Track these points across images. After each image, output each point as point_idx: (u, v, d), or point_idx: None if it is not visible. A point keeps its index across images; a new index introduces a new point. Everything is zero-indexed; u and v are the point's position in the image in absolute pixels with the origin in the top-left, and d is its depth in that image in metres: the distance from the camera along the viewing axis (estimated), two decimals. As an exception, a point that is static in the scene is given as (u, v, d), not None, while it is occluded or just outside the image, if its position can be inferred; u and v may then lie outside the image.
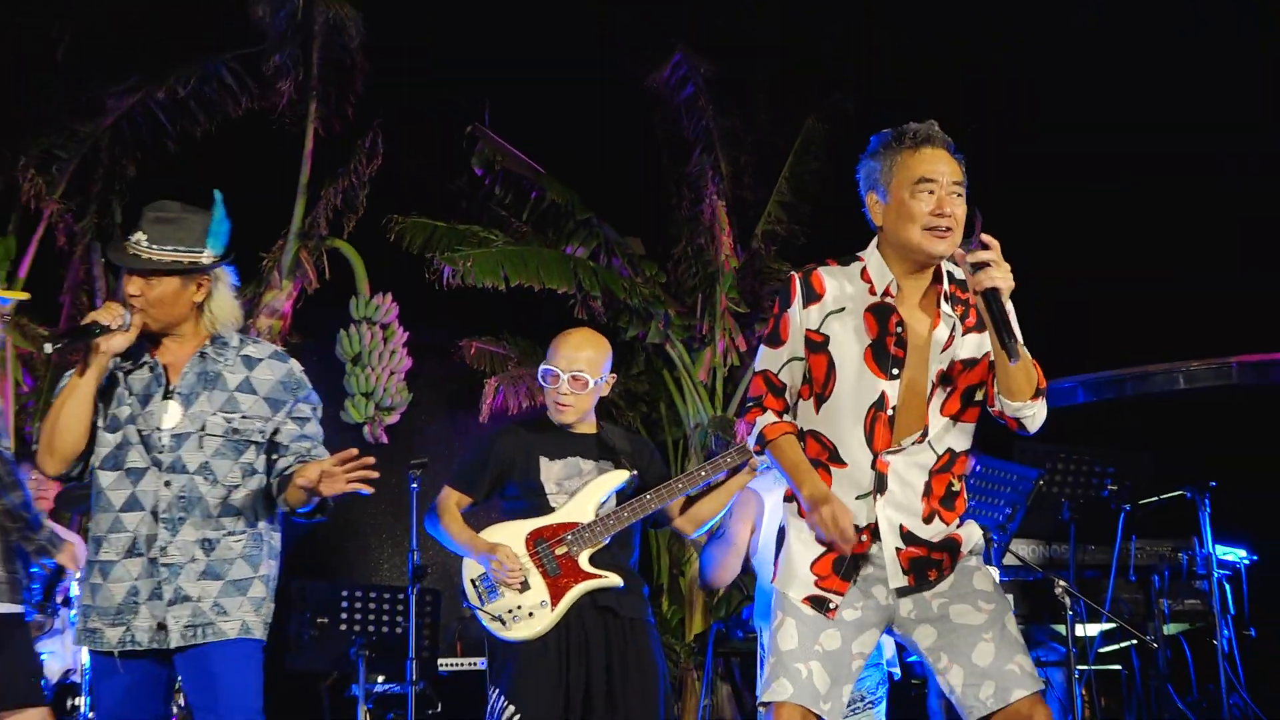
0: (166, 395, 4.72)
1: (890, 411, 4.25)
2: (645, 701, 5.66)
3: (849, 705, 6.21)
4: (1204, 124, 10.50)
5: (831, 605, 4.30)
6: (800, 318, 4.36)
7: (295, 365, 4.98)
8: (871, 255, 4.35)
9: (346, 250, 11.69)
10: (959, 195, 4.20)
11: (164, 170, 10.94)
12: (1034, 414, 4.19)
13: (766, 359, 4.44)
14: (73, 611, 7.77)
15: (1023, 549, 7.75)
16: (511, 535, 5.78)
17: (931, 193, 4.18)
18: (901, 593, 4.29)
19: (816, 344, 4.34)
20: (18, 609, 5.59)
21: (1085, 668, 7.52)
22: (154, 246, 4.68)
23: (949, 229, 4.16)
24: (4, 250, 11.27)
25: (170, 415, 4.69)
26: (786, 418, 4.42)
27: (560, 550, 5.70)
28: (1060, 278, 10.36)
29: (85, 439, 4.68)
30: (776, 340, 4.41)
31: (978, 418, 4.32)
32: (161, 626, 4.61)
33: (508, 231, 12.15)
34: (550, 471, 5.83)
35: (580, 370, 5.82)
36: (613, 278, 11.87)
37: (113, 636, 4.64)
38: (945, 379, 4.26)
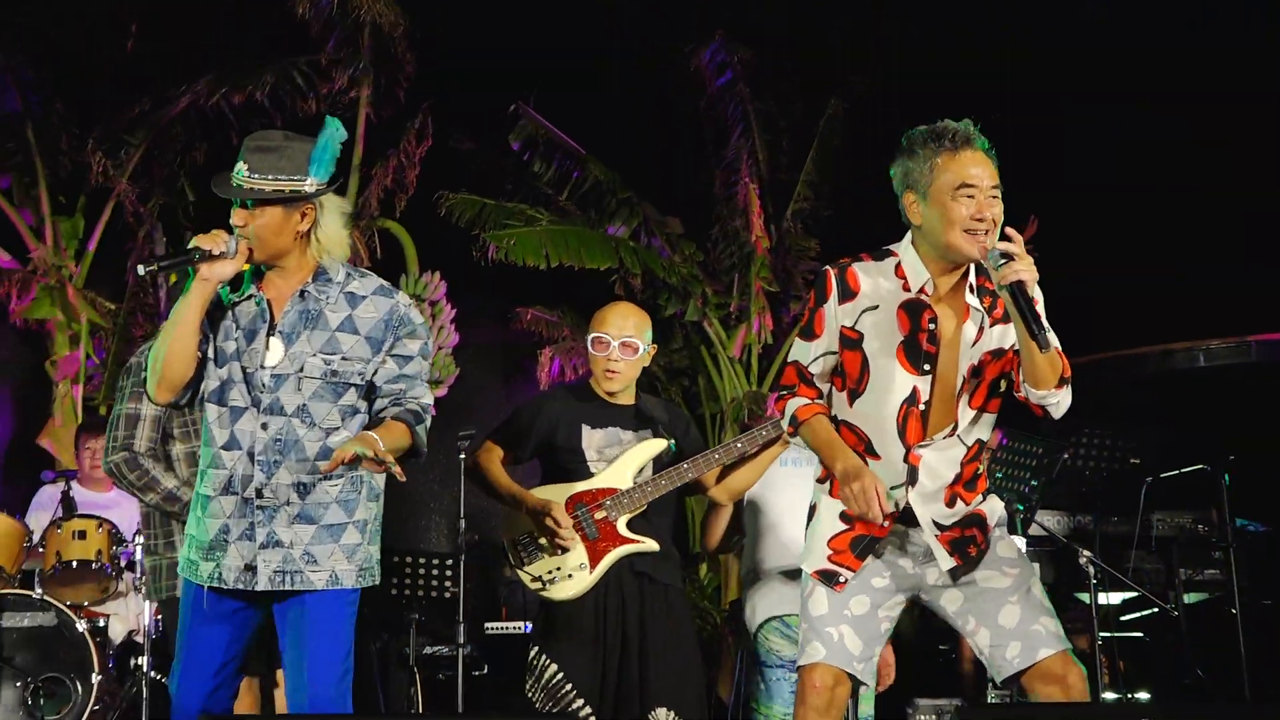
0: (270, 333, 4.58)
1: (922, 407, 4.35)
2: (683, 668, 5.77)
3: None
4: (1220, 103, 10.57)
5: (840, 579, 4.43)
6: (835, 313, 4.42)
7: (401, 300, 4.76)
8: (906, 251, 4.41)
9: (396, 230, 11.96)
10: (996, 198, 4.26)
11: (228, 155, 11.20)
12: (1059, 401, 4.26)
13: (799, 351, 4.52)
14: (136, 575, 7.97)
15: (1048, 520, 7.85)
16: (552, 498, 5.85)
17: (971, 197, 4.24)
18: (954, 574, 4.39)
19: (851, 341, 4.42)
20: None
21: (1108, 635, 7.67)
22: (254, 176, 4.50)
23: (987, 232, 4.23)
24: (71, 228, 11.58)
25: (273, 354, 4.56)
26: (819, 402, 4.49)
27: (599, 515, 5.79)
28: (1087, 261, 10.54)
29: (192, 367, 4.52)
30: (810, 334, 4.48)
31: (999, 405, 4.44)
32: (249, 568, 4.53)
33: (552, 210, 12.38)
34: (591, 439, 5.91)
35: (630, 336, 5.91)
36: (652, 257, 12.10)
37: (205, 570, 4.57)
38: (975, 372, 4.34)
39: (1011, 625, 4.32)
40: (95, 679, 7.39)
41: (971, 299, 4.34)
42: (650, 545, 5.83)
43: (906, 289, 4.38)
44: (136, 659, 7.89)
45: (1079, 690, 4.27)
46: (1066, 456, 7.66)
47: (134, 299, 11.57)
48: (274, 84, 11.64)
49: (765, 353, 12.41)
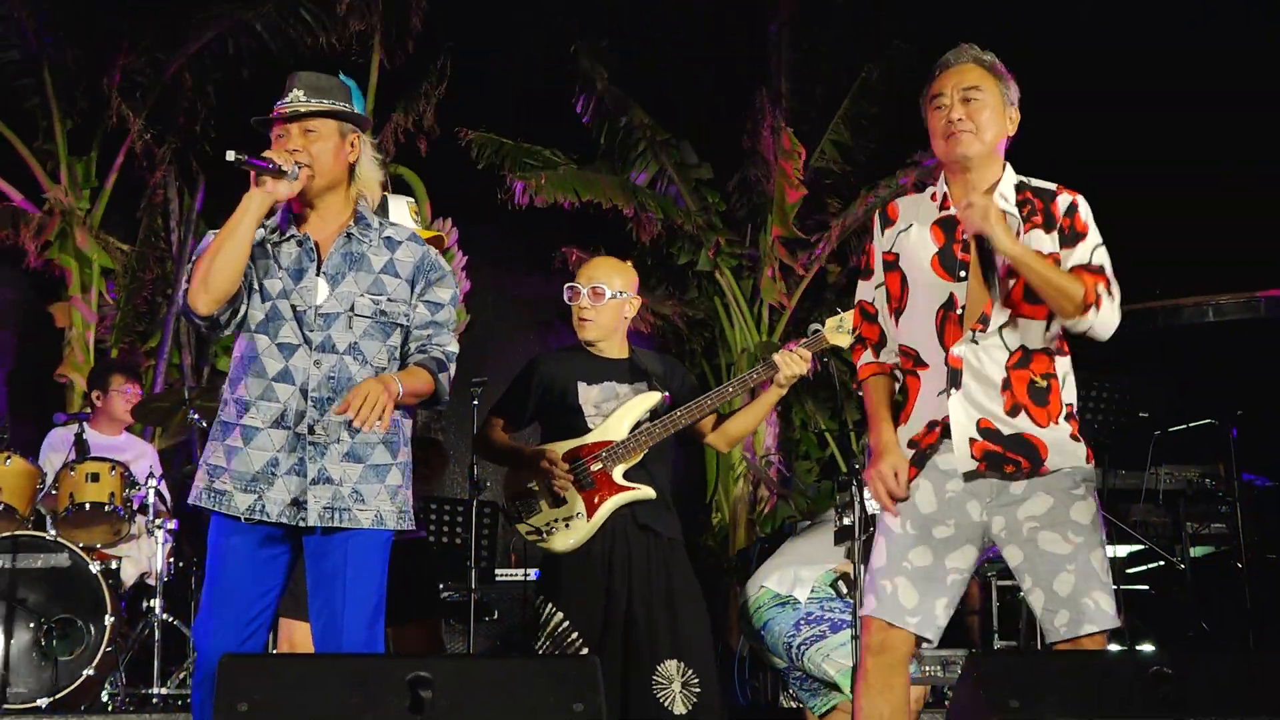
0: (318, 272, 4.63)
1: (960, 311, 4.41)
2: (690, 619, 5.79)
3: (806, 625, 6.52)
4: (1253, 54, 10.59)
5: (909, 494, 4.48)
6: (879, 245, 4.64)
7: (431, 249, 4.85)
8: (940, 179, 4.60)
9: (408, 176, 11.96)
10: (972, 100, 4.44)
11: (240, 101, 11.18)
12: (1089, 327, 4.31)
13: (861, 290, 4.73)
14: (149, 518, 8.04)
15: (1056, 472, 7.91)
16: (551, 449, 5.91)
17: (940, 108, 4.47)
18: (969, 477, 4.40)
19: (890, 264, 4.59)
20: (420, 533, 5.72)
21: (1114, 587, 7.74)
22: (311, 100, 4.61)
23: (962, 130, 4.41)
24: (83, 169, 11.61)
25: (320, 293, 4.61)
26: (883, 354, 4.66)
27: (595, 466, 5.81)
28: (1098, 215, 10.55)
29: (238, 281, 4.54)
30: (867, 272, 4.70)
31: (1048, 316, 4.42)
32: (296, 503, 4.54)
33: (571, 153, 12.42)
34: (588, 395, 5.95)
35: (598, 283, 5.94)
36: (669, 204, 12.16)
37: (243, 503, 4.54)
38: (1010, 273, 4.38)
39: (1065, 593, 4.29)
40: (108, 620, 7.43)
41: (1003, 204, 4.41)
42: (647, 492, 5.87)
43: (942, 208, 4.53)
44: (148, 601, 7.98)
45: None
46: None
47: (146, 242, 11.60)
48: (286, 25, 11.63)
49: (779, 304, 12.45)
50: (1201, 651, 7.40)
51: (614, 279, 6.00)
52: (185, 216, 11.65)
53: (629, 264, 6.20)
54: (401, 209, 5.69)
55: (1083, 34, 11.40)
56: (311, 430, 4.57)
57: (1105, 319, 4.32)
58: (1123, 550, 8.01)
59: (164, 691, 7.77)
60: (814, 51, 12.82)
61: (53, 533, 7.71)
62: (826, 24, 12.76)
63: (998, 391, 4.39)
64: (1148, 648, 8.13)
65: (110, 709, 7.72)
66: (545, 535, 5.82)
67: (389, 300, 4.68)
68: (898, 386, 4.66)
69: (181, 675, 8.01)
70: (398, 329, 4.71)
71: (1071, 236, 4.42)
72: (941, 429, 4.44)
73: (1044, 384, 4.42)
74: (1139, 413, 7.79)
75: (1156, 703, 3.87)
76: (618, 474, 5.85)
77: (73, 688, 7.34)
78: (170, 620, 7.93)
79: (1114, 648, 7.48)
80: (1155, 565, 8.26)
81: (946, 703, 7.51)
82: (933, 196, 4.59)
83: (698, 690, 5.68)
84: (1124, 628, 7.70)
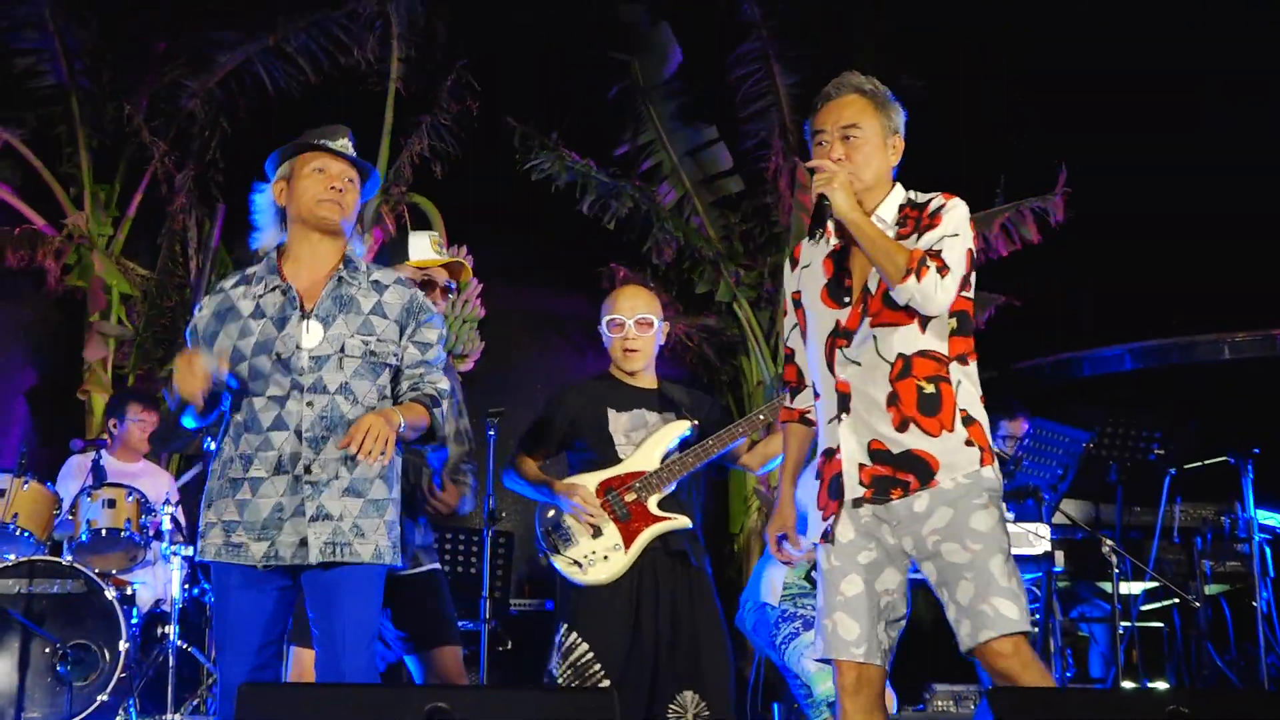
0: (304, 317, 4.74)
1: (843, 335, 4.48)
2: (710, 652, 5.80)
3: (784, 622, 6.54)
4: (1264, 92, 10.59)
5: (829, 529, 4.51)
6: (788, 286, 4.76)
7: (418, 291, 4.97)
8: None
9: (424, 204, 11.98)
10: (851, 138, 4.52)
11: (257, 128, 11.22)
12: (911, 295, 4.32)
13: (784, 333, 4.82)
14: (164, 545, 8.06)
15: (1072, 509, 7.89)
16: (582, 485, 5.93)
17: (821, 144, 4.56)
18: (857, 503, 4.44)
19: (796, 302, 4.70)
20: (436, 565, 5.73)
21: (1129, 624, 7.72)
22: (350, 149, 4.89)
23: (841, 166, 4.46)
24: (106, 195, 11.64)
25: (311, 336, 4.72)
26: (799, 399, 4.78)
27: (630, 497, 5.84)
28: (1113, 248, 10.56)
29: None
30: (785, 314, 4.79)
31: (915, 318, 4.42)
32: (303, 543, 4.64)
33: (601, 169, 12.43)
34: (618, 423, 5.97)
35: (643, 314, 6.00)
36: (691, 231, 12.17)
37: (257, 551, 4.67)
38: (876, 287, 4.45)
39: (965, 602, 4.32)
40: (123, 646, 7.43)
41: (880, 226, 4.48)
42: (683, 522, 5.89)
43: (829, 243, 4.57)
44: (163, 627, 7.97)
45: (1024, 674, 4.25)
46: (1091, 446, 7.70)
47: (165, 269, 11.62)
48: (306, 34, 11.67)
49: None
50: (1217, 690, 7.40)
51: (654, 307, 6.08)
52: (204, 244, 11.68)
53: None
54: (423, 243, 5.74)
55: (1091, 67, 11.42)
56: (308, 470, 4.68)
57: (927, 290, 4.31)
58: (1138, 587, 8.00)
59: (178, 718, 7.77)
60: (819, 81, 12.75)
61: (69, 558, 7.72)
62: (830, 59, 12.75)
63: (883, 409, 4.43)
64: (1161, 685, 8.12)
65: (124, 735, 7.72)
66: (584, 568, 5.84)
67: (378, 340, 4.80)
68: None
69: (195, 702, 8.01)
70: (387, 369, 4.83)
71: (925, 229, 4.46)
72: (840, 457, 4.49)
73: (932, 389, 4.43)
74: (1155, 450, 7.79)
75: (1173, 741, 3.87)
76: (653, 504, 5.87)
77: (87, 713, 7.33)
78: (185, 647, 7.93)
79: (1128, 685, 7.49)
80: (1171, 602, 8.25)
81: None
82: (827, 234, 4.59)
83: (708, 725, 5.71)
84: (1137, 665, 7.69)
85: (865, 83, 4.63)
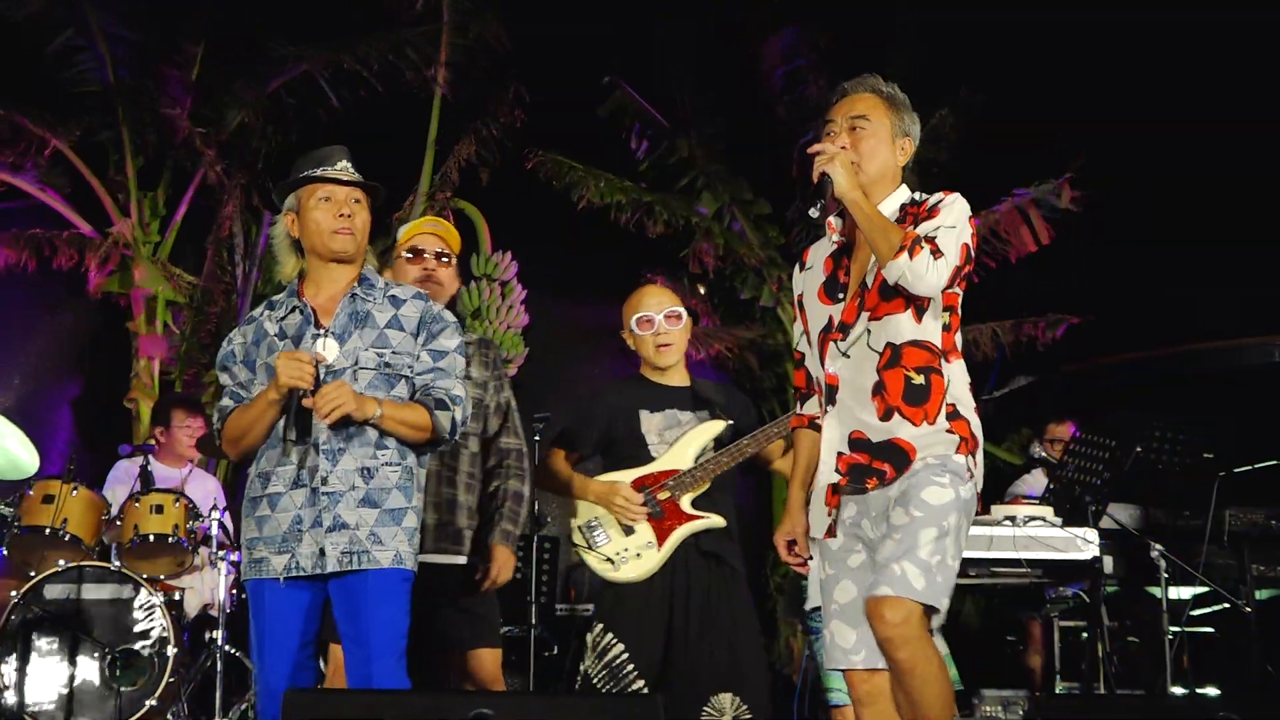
0: (319, 334, 4.82)
1: (836, 328, 4.54)
2: (745, 652, 5.81)
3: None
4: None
5: (830, 522, 4.53)
6: (795, 290, 4.81)
7: (435, 304, 5.06)
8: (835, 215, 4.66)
9: (469, 211, 12.03)
10: (857, 129, 4.58)
11: (307, 133, 11.26)
12: (901, 272, 4.33)
13: (794, 338, 4.85)
14: (211, 549, 8.08)
15: (1120, 514, 7.82)
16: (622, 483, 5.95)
17: (829, 133, 4.61)
18: (834, 490, 4.49)
19: (801, 304, 4.75)
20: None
21: (1178, 629, 7.66)
22: (354, 174, 4.96)
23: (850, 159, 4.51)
24: (152, 203, 11.70)
25: (328, 351, 4.80)
26: (808, 406, 4.76)
27: (663, 495, 5.85)
28: (1165, 251, 10.50)
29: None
30: (795, 318, 4.82)
31: (908, 309, 4.47)
32: (321, 552, 4.73)
33: (638, 181, 12.42)
34: (651, 424, 5.98)
35: (670, 307, 6.02)
36: (733, 237, 12.16)
37: (278, 564, 4.77)
38: (872, 280, 4.49)
39: (880, 559, 4.36)
40: (171, 651, 7.48)
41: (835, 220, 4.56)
42: (716, 521, 5.90)
43: (831, 241, 4.66)
44: (211, 632, 8.00)
45: (906, 645, 4.25)
46: (1139, 450, 7.64)
47: (211, 275, 11.69)
48: (376, 55, 11.71)
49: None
50: (1266, 696, 7.34)
51: (679, 301, 6.10)
52: (250, 250, 11.74)
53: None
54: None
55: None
56: (325, 481, 4.76)
57: (918, 268, 4.32)
58: (1187, 592, 7.93)
59: (226, 722, 7.80)
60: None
61: (117, 564, 7.77)
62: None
63: (869, 398, 4.46)
64: (1211, 691, 8.06)
65: (172, 740, 7.75)
66: (616, 565, 5.85)
67: (393, 353, 4.89)
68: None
69: (243, 707, 8.03)
70: (402, 380, 4.90)
71: (923, 220, 4.46)
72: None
73: (921, 380, 4.45)
74: (1204, 454, 7.73)
75: (1221, 747, 3.85)
76: (686, 503, 5.88)
77: (136, 718, 7.38)
78: (232, 651, 7.95)
79: (1178, 690, 7.44)
80: (1220, 608, 8.16)
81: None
82: (831, 229, 4.67)
83: (749, 725, 5.70)
84: (1186, 671, 7.63)
85: (883, 85, 4.68)
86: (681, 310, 6.06)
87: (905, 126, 4.64)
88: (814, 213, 4.46)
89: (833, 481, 4.48)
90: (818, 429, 4.72)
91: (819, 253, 4.72)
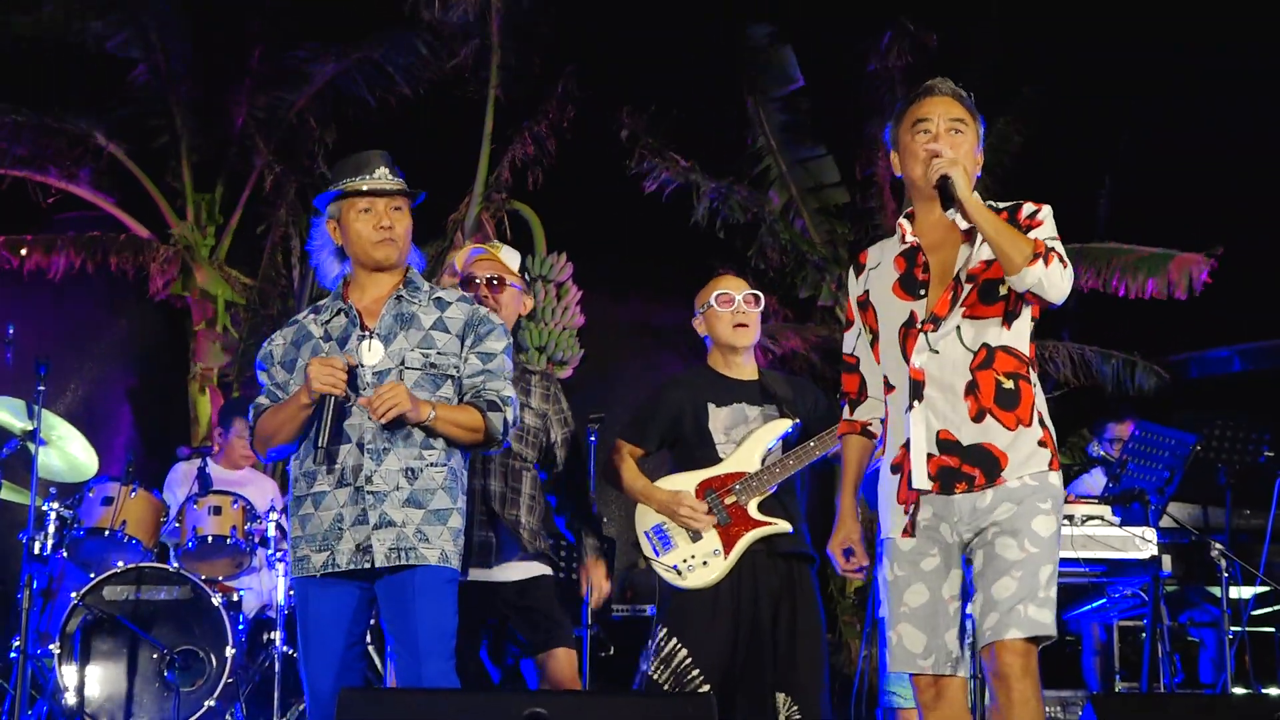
0: (365, 335, 4.86)
1: (919, 325, 4.43)
2: (807, 653, 5.79)
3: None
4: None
5: (910, 520, 4.44)
6: (853, 290, 4.70)
7: (480, 306, 5.08)
8: (903, 218, 4.61)
9: (525, 211, 12.02)
10: (957, 131, 4.49)
11: (361, 134, 11.28)
12: (1038, 279, 4.24)
13: (845, 343, 4.78)
14: (269, 551, 8.12)
15: (1179, 512, 7.77)
16: (681, 486, 5.91)
17: (927, 131, 4.48)
18: (922, 495, 4.39)
19: (863, 303, 4.64)
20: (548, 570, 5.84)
21: (1238, 629, 7.61)
22: (394, 179, 4.97)
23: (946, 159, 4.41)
24: (208, 206, 11.78)
25: (373, 353, 4.83)
26: (860, 410, 4.70)
27: (729, 500, 5.81)
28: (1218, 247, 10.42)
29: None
30: (848, 324, 4.76)
31: (1008, 314, 4.40)
32: (361, 549, 4.75)
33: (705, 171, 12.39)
34: (718, 419, 5.95)
35: (750, 291, 6.04)
36: (797, 235, 12.12)
37: (317, 561, 4.80)
38: (969, 278, 4.41)
39: (1001, 598, 4.27)
40: (229, 652, 7.50)
41: (962, 222, 4.43)
42: (783, 526, 5.85)
43: (903, 241, 4.56)
44: (269, 633, 8.02)
45: (1021, 678, 4.23)
46: (1199, 448, 7.59)
47: (267, 278, 11.74)
48: (391, 48, 11.71)
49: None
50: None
51: (757, 289, 6.09)
52: (304, 252, 11.75)
53: None
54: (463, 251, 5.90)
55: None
56: (370, 480, 4.78)
57: (1054, 276, 4.26)
58: (1248, 592, 7.86)
59: (284, 723, 7.83)
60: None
61: (176, 565, 7.80)
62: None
63: (960, 398, 4.38)
64: (1273, 691, 8.00)
65: (231, 740, 7.79)
66: (682, 573, 5.83)
67: (438, 354, 4.91)
68: (882, 427, 4.66)
69: (301, 707, 8.05)
70: (448, 380, 4.92)
71: (1026, 230, 4.38)
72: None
73: (1011, 385, 4.39)
74: (1265, 452, 7.67)
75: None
76: (753, 508, 5.85)
77: (194, 719, 7.41)
78: (290, 652, 7.97)
79: (1239, 691, 7.38)
80: (1281, 607, 8.12)
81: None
82: (898, 237, 4.60)
83: (799, 729, 5.70)
84: (1248, 670, 7.58)
85: (964, 91, 4.60)
86: (760, 296, 6.06)
87: (979, 138, 4.59)
88: (950, 214, 4.36)
89: (924, 487, 4.39)
90: (870, 435, 4.70)
91: (885, 253, 4.63)
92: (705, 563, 5.81)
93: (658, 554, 5.90)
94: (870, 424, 4.69)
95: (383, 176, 4.94)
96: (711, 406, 5.97)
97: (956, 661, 4.40)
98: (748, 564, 5.83)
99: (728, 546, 5.81)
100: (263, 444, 5.00)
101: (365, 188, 4.93)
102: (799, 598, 5.87)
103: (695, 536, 5.84)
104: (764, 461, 5.89)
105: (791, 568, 5.88)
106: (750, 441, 5.91)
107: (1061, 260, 4.29)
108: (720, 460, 5.92)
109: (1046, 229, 4.38)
